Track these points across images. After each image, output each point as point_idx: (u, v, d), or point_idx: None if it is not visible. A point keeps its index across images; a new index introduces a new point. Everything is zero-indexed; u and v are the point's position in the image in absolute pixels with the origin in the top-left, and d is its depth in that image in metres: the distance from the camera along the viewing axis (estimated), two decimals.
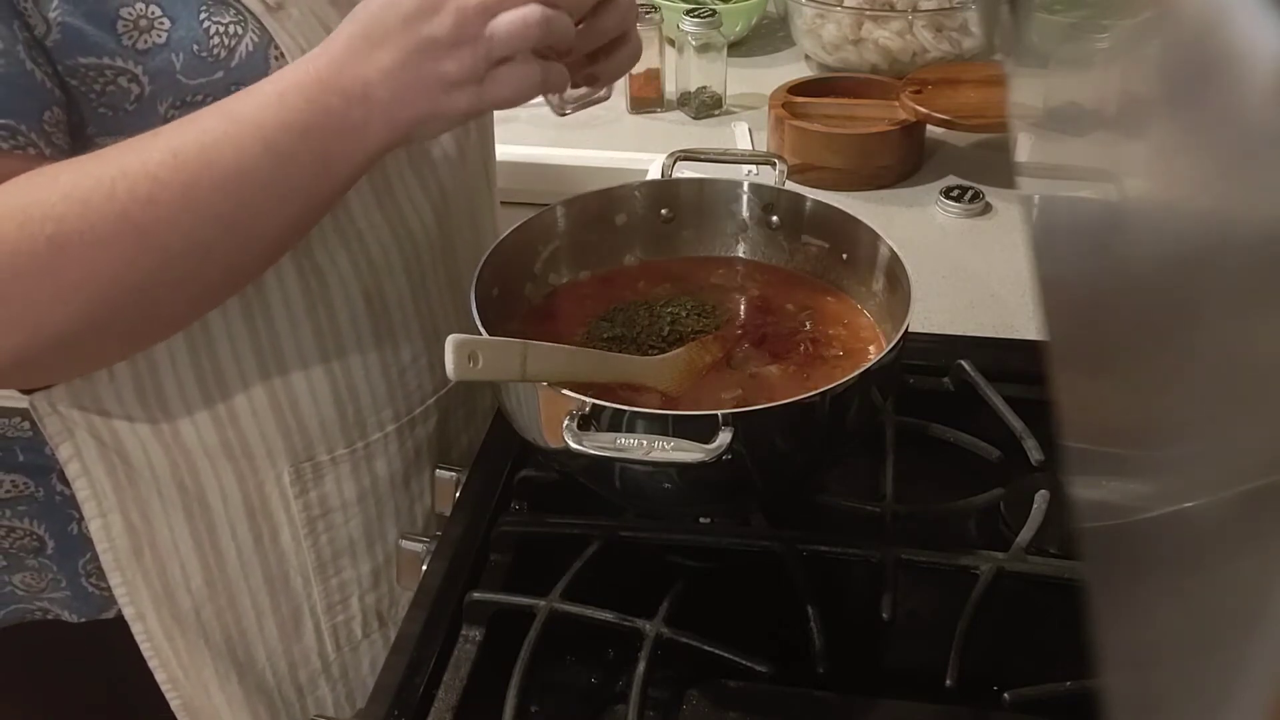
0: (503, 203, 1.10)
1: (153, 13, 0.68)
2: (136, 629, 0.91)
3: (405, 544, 0.87)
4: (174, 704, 0.96)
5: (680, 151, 0.91)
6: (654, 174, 1.01)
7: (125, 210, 0.63)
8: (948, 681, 0.69)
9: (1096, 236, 0.33)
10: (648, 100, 1.53)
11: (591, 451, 0.65)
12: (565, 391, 0.69)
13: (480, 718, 0.71)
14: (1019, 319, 1.10)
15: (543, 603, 0.75)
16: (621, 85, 1.53)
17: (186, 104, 0.69)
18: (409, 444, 0.91)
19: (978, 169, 1.35)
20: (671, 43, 1.53)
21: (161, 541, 0.87)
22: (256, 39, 0.71)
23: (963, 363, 0.91)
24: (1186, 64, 0.23)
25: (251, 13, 0.71)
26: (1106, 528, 0.31)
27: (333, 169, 0.68)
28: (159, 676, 0.94)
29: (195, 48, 0.69)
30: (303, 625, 0.92)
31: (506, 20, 0.65)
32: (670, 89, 1.54)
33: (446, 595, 0.77)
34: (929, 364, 0.92)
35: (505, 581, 0.79)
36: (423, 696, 0.72)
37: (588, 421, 0.67)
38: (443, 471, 0.91)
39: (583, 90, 0.81)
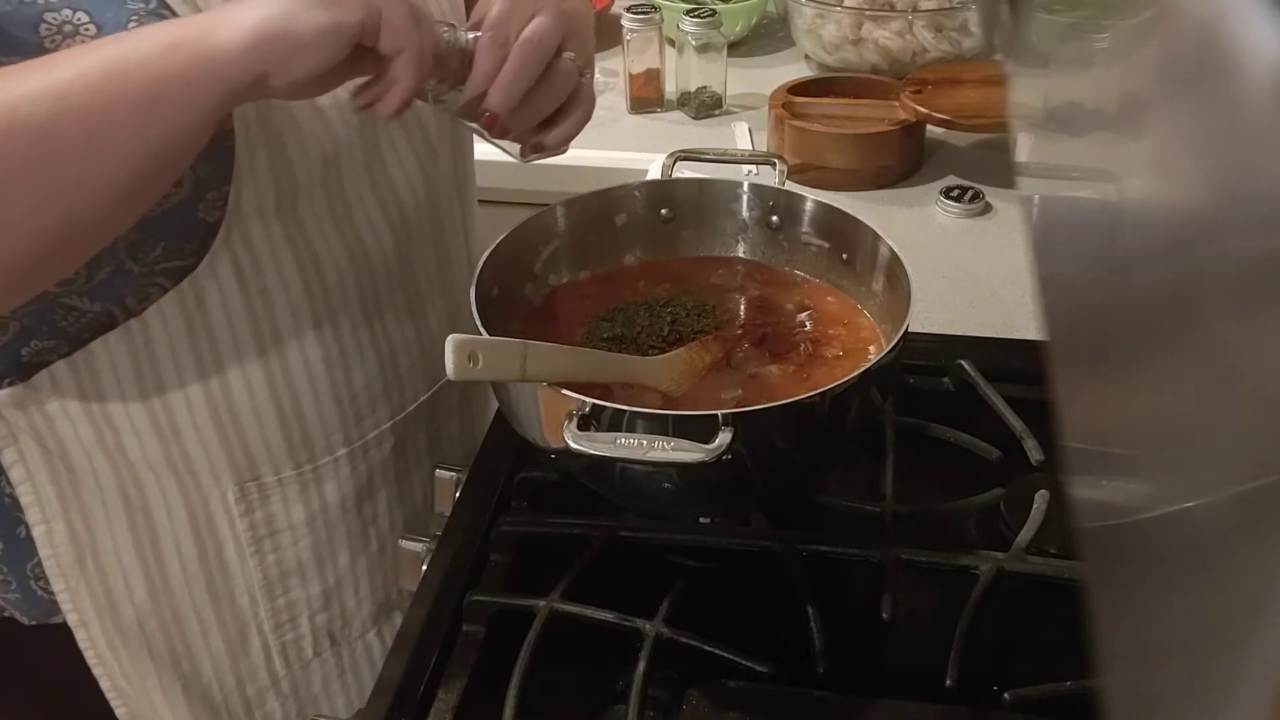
0: (503, 203, 1.10)
1: (79, 19, 0.66)
2: (80, 636, 0.90)
3: (405, 544, 0.87)
4: (119, 713, 0.95)
5: (680, 151, 0.91)
6: (654, 174, 1.01)
7: None
8: (948, 681, 0.69)
9: (1096, 236, 0.33)
10: (648, 100, 1.53)
11: (591, 451, 0.65)
12: (565, 391, 0.69)
13: (480, 718, 0.71)
14: (1019, 319, 1.10)
15: (543, 603, 0.75)
16: (622, 85, 1.53)
17: None
18: (361, 469, 0.89)
19: (978, 169, 1.35)
20: (671, 43, 1.53)
21: (104, 551, 0.86)
22: None
23: (963, 363, 0.91)
24: (1186, 64, 0.23)
25: None
26: (1106, 528, 0.31)
27: (178, 56, 0.62)
28: (104, 685, 0.93)
29: None
30: (249, 641, 0.91)
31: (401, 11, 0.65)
32: (670, 89, 1.54)
33: (446, 595, 0.77)
34: (929, 364, 0.92)
35: (505, 581, 0.79)
36: (423, 696, 0.72)
37: (588, 421, 0.67)
38: (443, 471, 0.91)
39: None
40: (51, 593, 0.89)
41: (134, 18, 0.67)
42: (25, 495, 0.84)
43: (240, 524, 0.85)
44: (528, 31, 0.72)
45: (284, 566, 0.88)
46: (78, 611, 0.89)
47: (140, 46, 0.62)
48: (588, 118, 0.79)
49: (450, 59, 0.72)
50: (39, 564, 0.88)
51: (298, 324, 0.80)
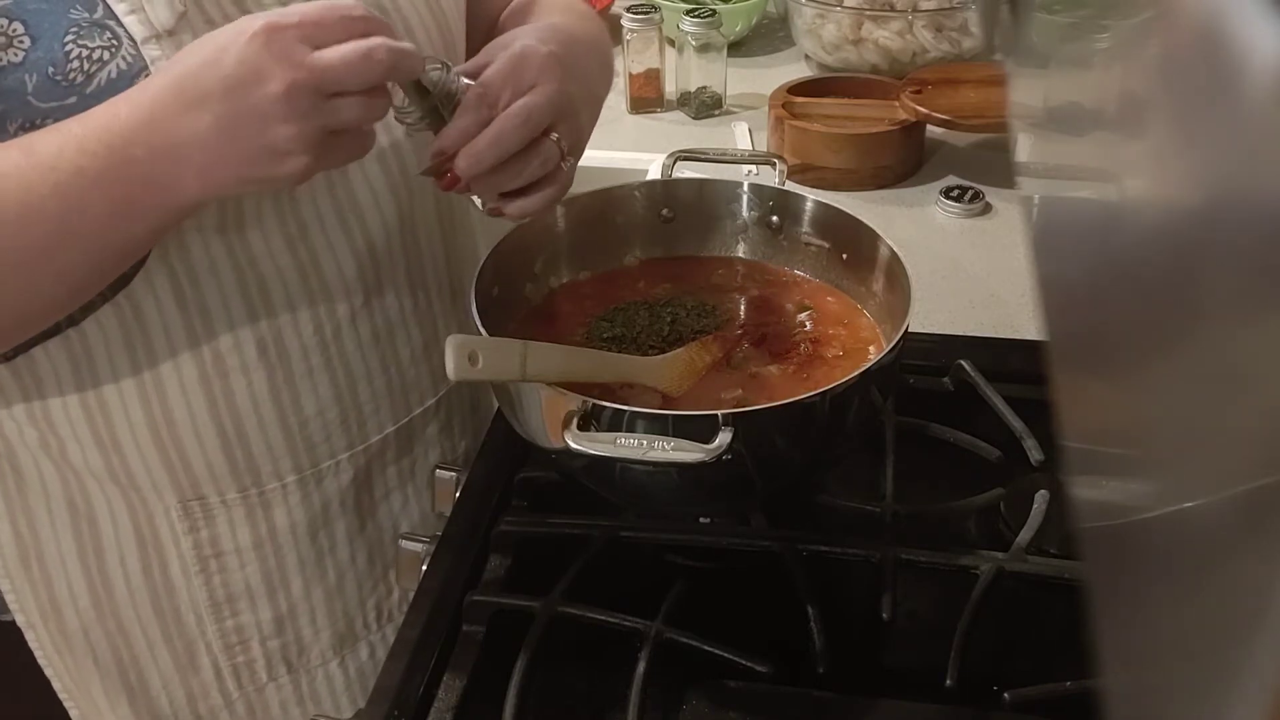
0: None
1: (14, 30, 0.65)
2: (29, 636, 0.90)
3: (405, 544, 0.86)
4: (73, 714, 0.95)
5: (680, 151, 0.91)
6: (654, 174, 1.01)
7: None
8: (948, 681, 0.69)
9: (1096, 236, 0.33)
10: (648, 100, 1.53)
11: (591, 451, 0.65)
12: (565, 391, 0.69)
13: (480, 718, 0.71)
14: (1019, 319, 1.10)
15: (542, 603, 0.75)
16: (622, 85, 1.53)
17: (36, 126, 0.66)
18: (315, 498, 0.86)
19: (978, 169, 1.35)
20: (671, 43, 1.53)
21: (49, 556, 0.85)
22: (125, 66, 0.67)
23: (963, 363, 0.91)
24: (1186, 64, 0.23)
25: (131, 38, 0.67)
26: (1106, 528, 0.31)
27: (132, 218, 0.64)
28: (55, 685, 0.92)
29: (50, 70, 0.66)
30: (199, 660, 0.89)
31: (353, 103, 0.62)
32: (670, 89, 1.54)
33: (446, 595, 0.77)
34: (929, 364, 0.92)
35: (505, 581, 0.79)
36: (423, 696, 0.72)
37: (588, 421, 0.67)
38: (443, 471, 0.91)
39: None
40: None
41: (73, 28, 0.66)
42: None
43: (185, 542, 0.83)
44: (517, 105, 0.69)
45: (231, 589, 0.86)
46: (24, 613, 0.89)
47: (88, 192, 0.62)
48: (556, 199, 0.75)
49: (437, 98, 0.69)
50: None
51: (239, 344, 0.77)
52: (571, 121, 0.74)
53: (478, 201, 0.77)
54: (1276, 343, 0.18)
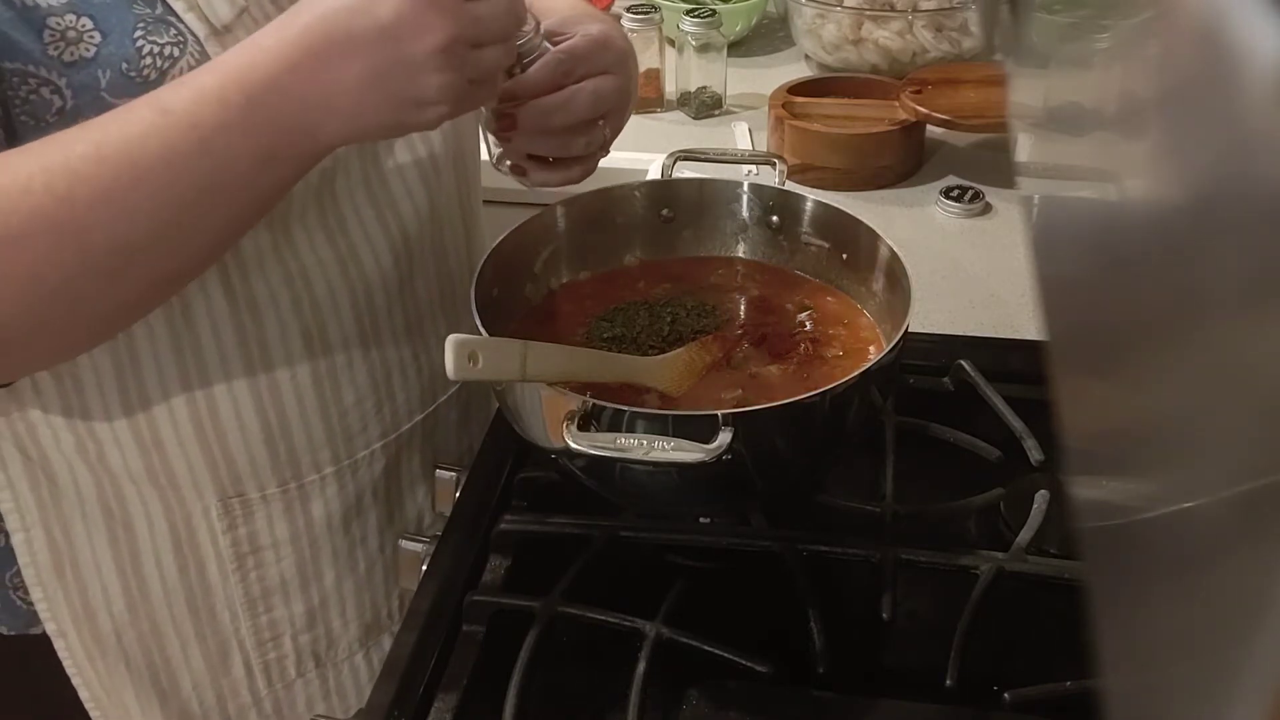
0: (503, 203, 1.10)
1: (84, 25, 0.65)
2: (58, 646, 0.89)
3: (405, 544, 0.86)
4: None
5: (680, 151, 0.91)
6: (654, 174, 1.01)
7: (41, 206, 0.60)
8: (948, 681, 0.69)
9: (1096, 236, 0.33)
10: (648, 100, 1.53)
11: (591, 451, 0.65)
12: (565, 391, 0.69)
13: (480, 718, 0.71)
14: (1019, 319, 1.10)
15: (542, 603, 0.75)
16: None
17: None
18: (350, 488, 0.87)
19: (978, 169, 1.35)
20: (671, 43, 1.53)
21: (83, 562, 0.85)
22: (194, 62, 0.68)
23: (963, 363, 0.91)
24: (1186, 64, 0.23)
25: (194, 34, 0.68)
26: (1106, 528, 0.31)
27: (279, 165, 0.65)
28: (82, 695, 0.92)
29: (124, 66, 0.66)
30: (231, 659, 0.89)
31: (495, 50, 0.65)
32: (670, 89, 1.54)
33: (446, 595, 0.77)
34: (929, 364, 0.92)
35: (505, 581, 0.79)
36: (423, 696, 0.72)
37: (588, 421, 0.67)
38: (443, 471, 0.91)
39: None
40: (30, 603, 0.88)
41: (140, 24, 0.67)
42: (5, 502, 0.83)
43: (223, 540, 0.84)
44: (591, 83, 0.75)
45: (266, 584, 0.87)
46: (56, 621, 0.88)
47: (236, 145, 0.62)
48: (575, 181, 0.81)
49: (522, 52, 0.73)
50: (18, 573, 0.87)
51: (285, 338, 0.78)
52: (619, 117, 0.79)
53: (492, 150, 0.81)
54: (1276, 343, 0.18)
